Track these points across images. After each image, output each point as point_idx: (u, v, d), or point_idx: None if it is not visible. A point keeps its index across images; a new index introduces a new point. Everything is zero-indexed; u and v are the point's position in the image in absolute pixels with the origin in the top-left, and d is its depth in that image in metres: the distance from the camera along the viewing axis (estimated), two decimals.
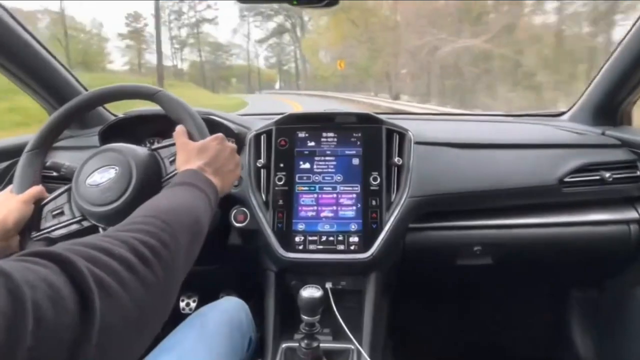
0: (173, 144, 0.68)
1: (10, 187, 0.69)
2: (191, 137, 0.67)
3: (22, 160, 0.70)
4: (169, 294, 0.40)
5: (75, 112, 0.74)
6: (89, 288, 0.29)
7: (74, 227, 0.67)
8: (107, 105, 1.09)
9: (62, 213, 0.68)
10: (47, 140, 0.73)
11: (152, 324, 0.37)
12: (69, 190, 0.69)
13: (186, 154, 0.63)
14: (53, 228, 0.66)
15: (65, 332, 0.27)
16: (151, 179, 0.67)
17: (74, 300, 0.28)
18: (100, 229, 0.67)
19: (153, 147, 0.72)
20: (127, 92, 0.74)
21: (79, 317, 0.28)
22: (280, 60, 46.16)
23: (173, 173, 0.68)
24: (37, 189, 0.68)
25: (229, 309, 0.73)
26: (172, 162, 0.69)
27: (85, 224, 0.67)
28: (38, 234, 0.66)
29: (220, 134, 0.67)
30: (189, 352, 0.62)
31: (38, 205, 0.67)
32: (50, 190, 0.71)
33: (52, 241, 0.66)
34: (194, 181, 0.56)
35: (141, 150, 0.70)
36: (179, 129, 0.67)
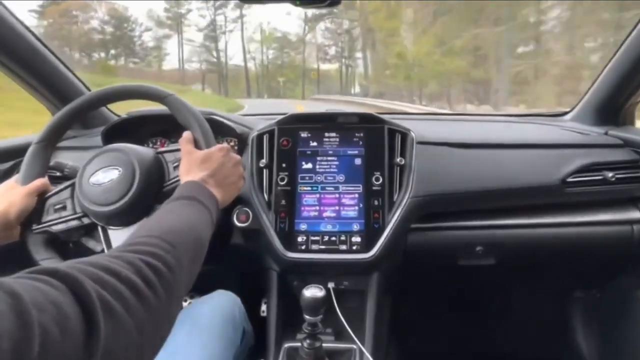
0: (179, 149, 0.68)
1: (15, 176, 0.70)
2: (197, 144, 0.67)
3: (31, 150, 0.70)
4: (170, 315, 0.40)
5: (83, 110, 0.74)
6: (95, 311, 0.29)
7: (74, 223, 0.67)
8: (109, 105, 1.09)
9: (64, 208, 0.68)
10: (55, 135, 0.73)
11: (152, 347, 0.37)
12: (72, 185, 0.69)
13: (190, 163, 0.63)
14: (54, 222, 0.67)
15: (70, 357, 0.27)
16: (153, 183, 0.68)
17: (80, 324, 0.28)
18: (99, 227, 0.68)
19: (159, 150, 0.72)
20: (138, 92, 0.74)
21: (83, 341, 0.28)
22: (341, 49, 30.60)
23: (175, 179, 0.68)
24: (42, 181, 0.68)
25: (220, 303, 0.73)
26: (176, 167, 0.69)
27: (86, 221, 0.68)
28: (39, 226, 0.66)
29: (226, 145, 0.67)
30: (182, 348, 0.62)
31: (41, 198, 0.68)
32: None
33: (52, 235, 0.67)
34: (196, 195, 0.56)
35: (146, 152, 0.70)
36: (186, 135, 0.67)
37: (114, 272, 0.34)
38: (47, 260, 0.64)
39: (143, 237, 0.43)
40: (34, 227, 0.66)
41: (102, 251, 0.67)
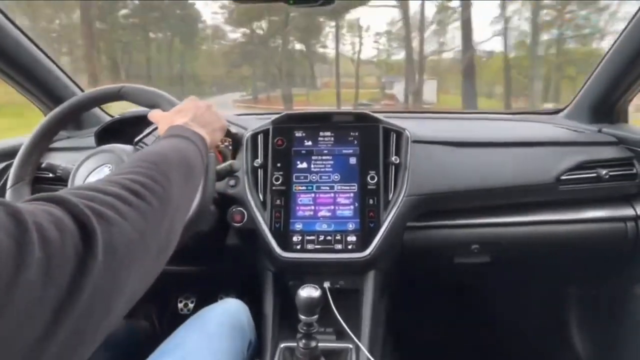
0: (154, 129, 0.68)
1: None
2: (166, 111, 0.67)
3: (9, 195, 0.71)
4: (169, 221, 0.40)
5: (45, 136, 0.74)
6: (86, 217, 0.30)
7: None
8: (103, 106, 1.08)
9: None
10: (27, 170, 0.73)
11: (159, 249, 0.38)
12: None
13: (167, 121, 0.61)
14: None
15: (70, 251, 0.28)
16: None
17: (74, 227, 0.29)
18: None
19: (135, 140, 0.72)
20: (96, 98, 0.74)
21: (81, 239, 0.29)
22: None
23: None
24: None
25: (230, 311, 0.73)
26: None
27: None
28: None
29: (192, 96, 0.66)
30: (191, 354, 0.61)
31: None
32: (46, 191, 0.70)
33: None
34: (178, 133, 0.55)
35: (129, 147, 0.72)
36: (152, 110, 0.67)
37: (99, 189, 0.35)
38: None
39: (128, 165, 0.44)
40: None
41: None
